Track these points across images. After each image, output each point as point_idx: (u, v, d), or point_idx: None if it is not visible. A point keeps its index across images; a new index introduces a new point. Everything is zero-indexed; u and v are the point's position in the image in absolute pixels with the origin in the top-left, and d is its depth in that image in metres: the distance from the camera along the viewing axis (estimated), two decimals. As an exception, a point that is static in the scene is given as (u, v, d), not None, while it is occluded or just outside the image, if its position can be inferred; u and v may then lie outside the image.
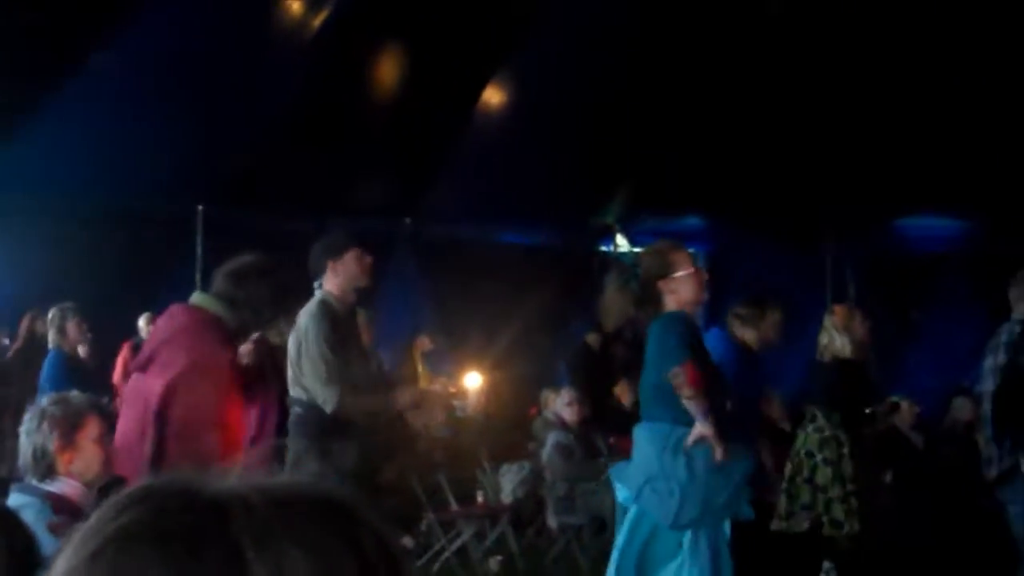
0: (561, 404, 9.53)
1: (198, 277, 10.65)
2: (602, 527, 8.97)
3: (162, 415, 4.86)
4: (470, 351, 12.43)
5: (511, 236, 13.91)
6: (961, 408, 9.68)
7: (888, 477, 9.37)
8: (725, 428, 5.25)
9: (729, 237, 13.04)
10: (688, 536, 5.23)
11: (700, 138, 12.21)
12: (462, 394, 11.59)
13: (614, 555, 5.46)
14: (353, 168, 11.74)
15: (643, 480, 5.29)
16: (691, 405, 5.14)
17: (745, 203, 12.78)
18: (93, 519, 0.82)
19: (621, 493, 5.55)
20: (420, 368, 11.87)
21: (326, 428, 5.54)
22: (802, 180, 12.36)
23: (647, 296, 5.38)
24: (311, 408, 5.60)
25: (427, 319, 12.40)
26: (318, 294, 5.74)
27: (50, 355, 8.13)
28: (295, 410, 5.71)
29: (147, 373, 5.09)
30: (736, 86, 11.74)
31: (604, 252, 14.30)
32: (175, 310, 5.36)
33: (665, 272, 5.38)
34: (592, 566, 8.68)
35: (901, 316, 13.90)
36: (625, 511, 5.52)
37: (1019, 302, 6.15)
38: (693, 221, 13.90)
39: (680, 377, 5.14)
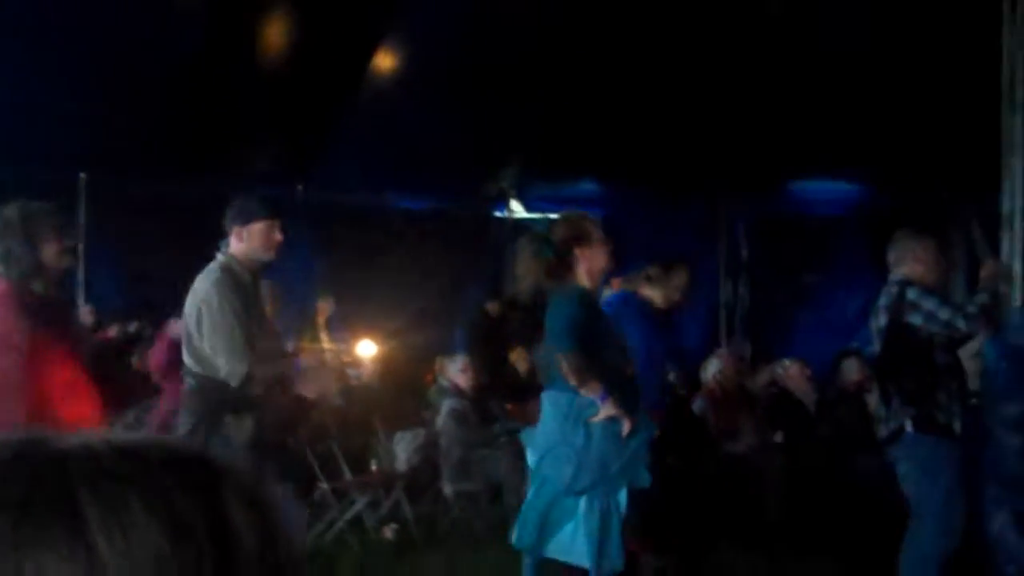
0: (455, 370, 9.49)
1: (81, 247, 10.33)
2: (497, 493, 8.96)
3: None
4: (364, 319, 12.29)
5: (405, 202, 13.78)
6: (850, 369, 9.83)
7: (779, 438, 9.50)
8: (628, 397, 5.36)
9: (624, 201, 13.06)
10: (583, 501, 5.35)
11: (593, 102, 12.17)
12: (356, 362, 11.47)
13: (519, 518, 5.65)
14: (243, 134, 11.49)
15: (545, 446, 5.46)
16: (585, 391, 5.26)
17: (639, 167, 12.81)
18: None
19: (530, 457, 5.72)
20: (323, 336, 11.72)
21: (220, 401, 5.37)
22: (696, 144, 12.41)
23: (562, 264, 5.48)
24: (205, 379, 5.42)
25: (321, 287, 12.23)
26: (220, 258, 5.53)
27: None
28: (188, 381, 5.53)
29: None
30: (629, 48, 11.71)
31: (499, 217, 14.25)
32: None
33: (580, 241, 5.49)
34: (488, 532, 8.67)
35: (794, 279, 14.09)
36: (535, 474, 5.69)
37: (897, 264, 6.24)
38: (588, 186, 13.90)
39: (565, 366, 5.29)
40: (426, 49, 11.89)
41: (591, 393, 5.27)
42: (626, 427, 5.27)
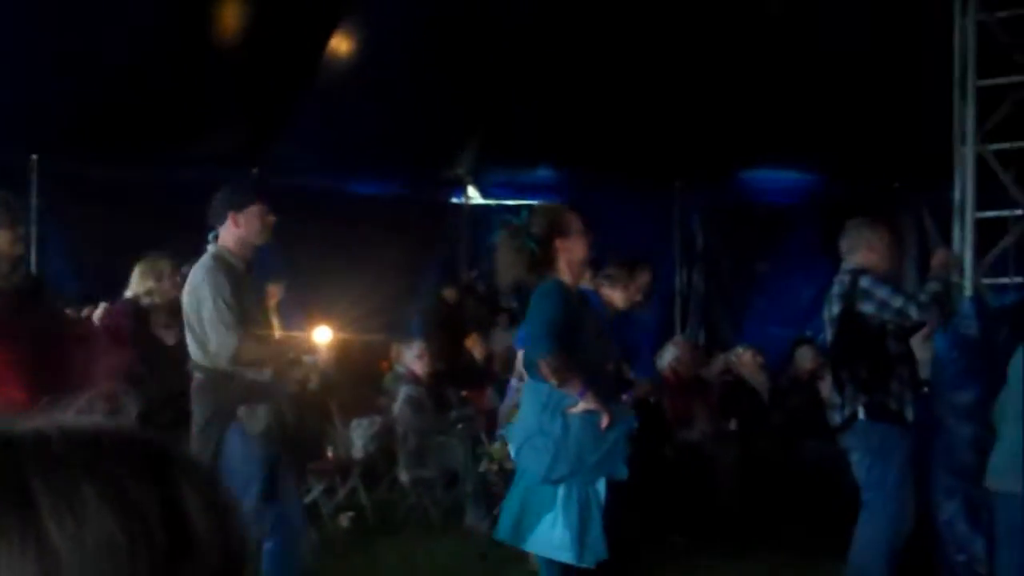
0: (411, 357, 9.48)
1: (34, 231, 10.21)
2: (453, 480, 8.97)
3: None
4: (320, 305, 12.24)
5: (361, 187, 13.72)
6: (804, 357, 9.92)
7: (733, 425, 9.57)
8: (607, 391, 5.38)
9: (579, 189, 13.07)
10: (561, 491, 5.35)
11: (550, 89, 12.17)
12: (311, 349, 11.41)
13: (502, 506, 5.71)
14: (198, 116, 11.38)
15: (524, 436, 5.47)
16: (565, 390, 5.28)
17: (596, 155, 12.83)
18: None
19: (512, 449, 5.80)
20: (275, 322, 11.63)
21: (231, 392, 5.34)
22: (651, 133, 12.44)
23: (544, 257, 5.45)
24: (213, 372, 5.38)
25: (276, 272, 12.16)
26: (212, 248, 5.50)
27: None
28: (196, 376, 5.48)
29: None
30: (586, 37, 11.72)
31: (455, 204, 14.23)
32: None
33: (561, 232, 5.48)
34: (444, 519, 8.69)
35: (748, 267, 14.18)
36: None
37: (849, 252, 6.29)
38: (544, 173, 13.90)
39: (543, 369, 5.28)
40: (383, 34, 11.83)
41: (570, 390, 5.27)
42: (604, 420, 5.27)
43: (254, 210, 5.49)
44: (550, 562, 5.47)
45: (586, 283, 7.27)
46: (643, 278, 7.38)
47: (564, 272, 5.49)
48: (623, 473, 5.37)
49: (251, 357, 5.34)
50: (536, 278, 5.49)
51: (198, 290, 5.37)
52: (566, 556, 5.31)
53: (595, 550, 5.27)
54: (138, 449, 0.81)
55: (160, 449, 0.82)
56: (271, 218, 5.56)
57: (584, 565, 5.31)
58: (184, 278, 5.94)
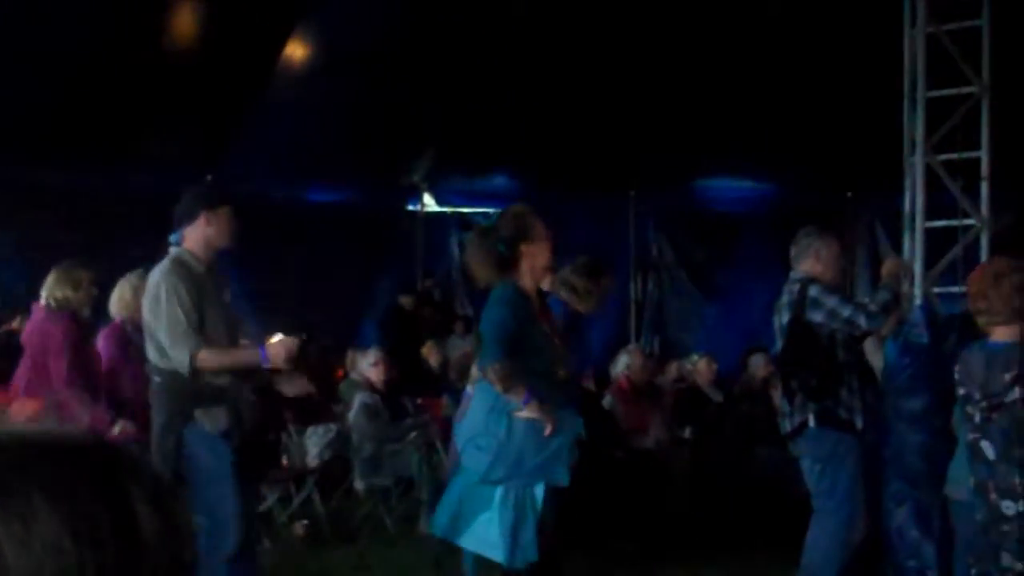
0: (367, 365, 9.44)
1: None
2: (409, 488, 8.95)
3: None
4: (275, 312, 12.19)
5: (317, 194, 13.68)
6: (757, 365, 9.99)
7: (687, 433, 9.61)
8: (555, 397, 5.38)
9: (535, 197, 13.10)
10: (499, 492, 5.39)
11: (506, 97, 12.20)
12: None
13: (440, 502, 5.72)
14: (151, 122, 11.31)
15: (469, 436, 5.50)
16: (510, 397, 5.31)
17: (552, 163, 12.87)
18: None
19: (457, 445, 5.79)
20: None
21: (187, 395, 5.28)
22: (607, 141, 12.50)
23: (510, 258, 5.46)
24: (169, 375, 5.32)
25: (230, 281, 12.08)
26: (173, 251, 5.43)
27: None
28: (154, 379, 5.43)
29: None
30: (542, 45, 11.76)
31: (411, 211, 14.22)
32: None
33: (527, 236, 5.49)
34: (399, 527, 8.66)
35: (702, 275, 14.27)
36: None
37: (797, 261, 6.34)
38: (500, 180, 13.93)
39: (490, 375, 5.30)
40: (338, 41, 11.82)
41: (515, 397, 5.29)
42: (548, 428, 5.30)
43: (226, 211, 5.48)
44: (477, 559, 5.53)
45: (547, 286, 7.28)
46: (606, 287, 7.38)
47: (526, 275, 5.51)
48: (564, 480, 5.40)
49: (209, 365, 5.29)
50: (500, 280, 5.50)
51: (156, 294, 5.32)
52: (497, 555, 5.36)
53: (526, 553, 5.31)
54: (89, 455, 0.81)
55: (110, 455, 0.82)
56: (236, 223, 5.53)
57: (514, 567, 5.35)
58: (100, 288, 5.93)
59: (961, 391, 4.88)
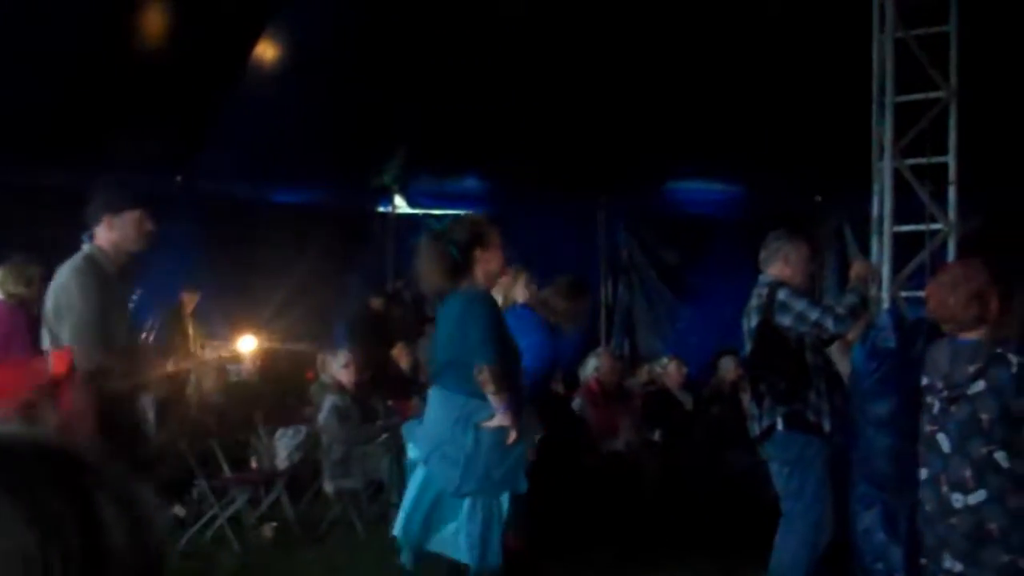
0: (337, 367, 9.42)
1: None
2: (378, 490, 8.94)
3: None
4: (245, 314, 12.15)
5: (287, 196, 13.64)
6: (727, 368, 10.04)
7: (657, 435, 9.64)
8: (518, 405, 5.38)
9: (506, 199, 13.11)
10: (467, 503, 5.40)
11: (477, 99, 12.20)
12: (236, 358, 11.33)
13: (402, 511, 5.62)
14: (120, 121, 11.23)
15: (433, 445, 5.46)
16: (494, 399, 5.28)
17: (522, 166, 12.87)
18: None
19: (412, 451, 5.70)
20: (190, 330, 11.52)
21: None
22: (578, 144, 12.52)
23: (464, 264, 5.47)
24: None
25: (201, 282, 12.03)
26: (85, 248, 5.36)
27: None
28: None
29: None
30: (513, 47, 11.77)
31: (382, 213, 14.19)
32: None
33: (481, 243, 5.51)
34: (368, 530, 8.65)
35: (672, 278, 14.30)
36: (414, 467, 5.67)
37: (766, 264, 6.37)
38: (471, 182, 13.93)
39: (485, 375, 5.28)
40: (309, 41, 11.78)
41: (499, 403, 5.29)
42: (512, 436, 5.30)
43: (130, 216, 5.34)
44: (440, 559, 5.53)
45: (521, 299, 7.27)
46: (583, 304, 7.42)
47: (479, 282, 5.52)
48: (523, 487, 5.42)
49: (119, 373, 5.24)
50: (451, 285, 5.50)
51: (65, 293, 5.23)
52: (467, 559, 5.38)
53: (492, 562, 5.34)
54: (54, 456, 0.81)
55: (76, 459, 0.82)
56: (149, 226, 5.39)
57: (483, 572, 5.37)
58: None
59: (924, 380, 4.92)
